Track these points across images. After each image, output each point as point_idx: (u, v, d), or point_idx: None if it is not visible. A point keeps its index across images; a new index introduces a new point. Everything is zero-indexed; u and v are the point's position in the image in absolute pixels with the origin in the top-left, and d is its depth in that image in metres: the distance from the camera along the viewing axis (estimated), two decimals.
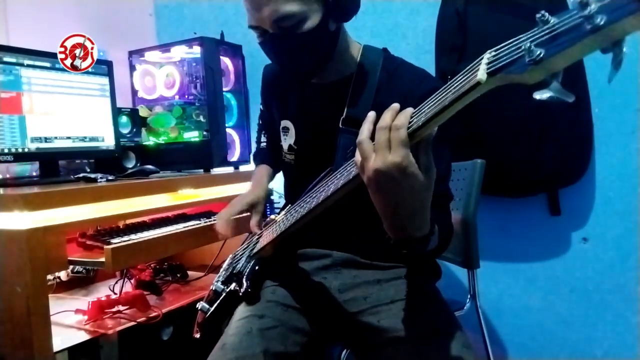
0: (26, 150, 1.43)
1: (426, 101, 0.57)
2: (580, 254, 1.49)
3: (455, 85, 0.53)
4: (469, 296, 1.30)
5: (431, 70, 1.52)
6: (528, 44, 0.44)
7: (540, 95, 0.45)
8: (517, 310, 1.60)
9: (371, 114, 0.65)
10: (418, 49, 1.63)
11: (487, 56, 0.50)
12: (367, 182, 0.62)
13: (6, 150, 1.38)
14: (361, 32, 1.64)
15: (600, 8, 0.38)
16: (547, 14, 0.43)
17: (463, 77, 0.52)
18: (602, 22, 0.38)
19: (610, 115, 1.40)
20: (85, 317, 1.36)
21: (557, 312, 1.54)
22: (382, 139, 0.59)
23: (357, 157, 0.63)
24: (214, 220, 1.51)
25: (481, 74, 0.49)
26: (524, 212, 1.55)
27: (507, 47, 0.48)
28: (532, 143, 1.40)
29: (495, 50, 0.49)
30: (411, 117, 0.59)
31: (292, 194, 1.03)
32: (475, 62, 0.51)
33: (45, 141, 1.47)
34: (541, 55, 0.43)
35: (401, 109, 0.60)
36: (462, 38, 1.47)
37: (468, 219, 1.24)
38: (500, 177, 1.43)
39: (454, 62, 1.48)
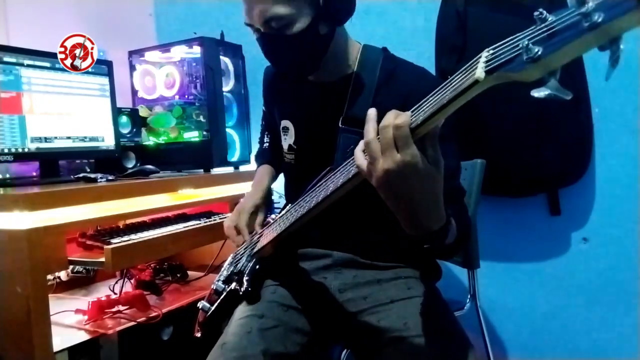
0: (26, 150, 1.43)
1: (425, 99, 0.57)
2: (580, 254, 1.49)
3: (454, 83, 0.53)
4: (469, 296, 1.30)
5: (431, 70, 1.52)
6: (526, 42, 0.43)
7: (538, 93, 0.44)
8: (517, 310, 1.60)
9: (372, 112, 0.64)
10: (418, 49, 1.63)
11: (485, 54, 0.50)
12: (377, 183, 0.61)
13: (6, 150, 1.38)
14: (361, 32, 1.63)
15: (597, 5, 0.38)
16: (545, 12, 0.43)
17: (461, 75, 0.52)
18: (599, 20, 0.38)
19: (610, 115, 1.40)
20: (85, 317, 1.36)
21: (557, 312, 1.54)
22: (388, 136, 0.58)
23: (360, 160, 0.62)
24: (215, 221, 1.53)
25: (479, 72, 0.49)
26: (524, 212, 1.55)
27: (505, 45, 0.47)
28: (532, 143, 1.40)
29: (493, 49, 0.49)
30: (411, 116, 0.59)
31: (292, 194, 1.03)
32: (473, 60, 0.51)
33: (45, 141, 1.47)
34: (539, 53, 0.43)
35: (402, 109, 0.60)
36: (462, 38, 1.47)
37: None
38: (501, 177, 1.43)
39: (454, 62, 1.48)
